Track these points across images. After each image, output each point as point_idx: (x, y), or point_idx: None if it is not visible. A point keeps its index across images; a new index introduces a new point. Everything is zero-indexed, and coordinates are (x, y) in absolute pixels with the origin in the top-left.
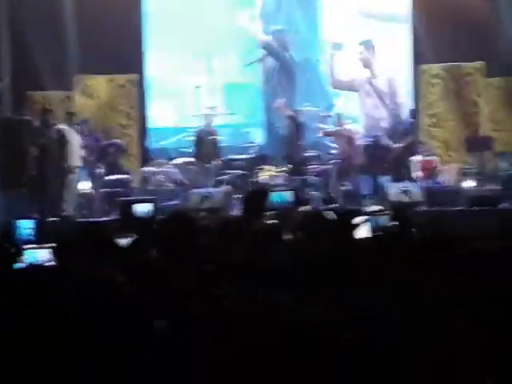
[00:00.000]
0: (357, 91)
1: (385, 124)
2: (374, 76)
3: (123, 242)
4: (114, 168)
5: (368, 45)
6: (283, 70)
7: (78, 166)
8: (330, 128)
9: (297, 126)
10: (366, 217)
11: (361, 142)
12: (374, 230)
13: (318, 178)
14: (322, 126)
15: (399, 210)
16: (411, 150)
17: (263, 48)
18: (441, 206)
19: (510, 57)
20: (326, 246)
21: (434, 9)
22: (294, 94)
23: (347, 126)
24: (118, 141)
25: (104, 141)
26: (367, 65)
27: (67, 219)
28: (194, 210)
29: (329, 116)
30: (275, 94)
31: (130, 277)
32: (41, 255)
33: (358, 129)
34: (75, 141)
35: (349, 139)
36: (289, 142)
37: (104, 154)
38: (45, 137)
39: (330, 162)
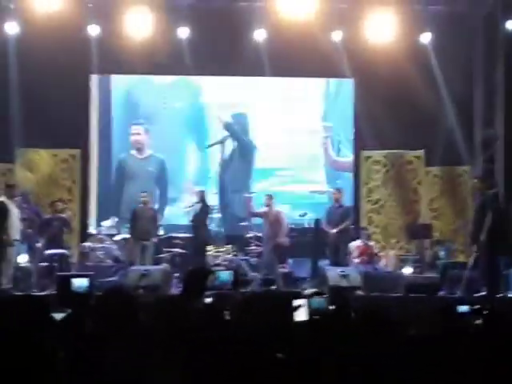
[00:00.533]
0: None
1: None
2: None
3: (59, 316)
4: (54, 242)
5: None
6: (241, 152)
7: (16, 240)
8: (258, 208)
9: (204, 206)
10: (304, 300)
11: (287, 223)
12: (311, 312)
13: (257, 259)
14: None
15: (337, 294)
16: (347, 234)
17: (225, 128)
18: (379, 291)
19: (448, 146)
20: (265, 327)
21: (375, 96)
22: (249, 176)
23: (275, 207)
24: (64, 215)
25: (43, 214)
26: None
27: (3, 292)
28: (132, 287)
29: (250, 195)
30: (232, 175)
31: (64, 350)
32: None
33: (284, 210)
34: (15, 213)
35: (275, 220)
36: (195, 222)
37: (46, 228)
38: None
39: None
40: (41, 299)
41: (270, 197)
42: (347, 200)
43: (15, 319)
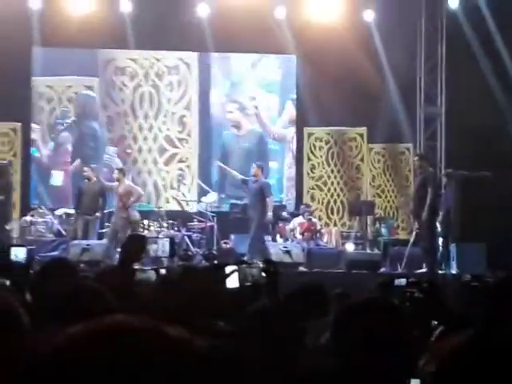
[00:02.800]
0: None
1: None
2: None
3: None
4: None
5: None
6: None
7: None
8: (111, 183)
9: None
10: (235, 267)
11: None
12: (242, 279)
13: (199, 235)
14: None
15: (269, 264)
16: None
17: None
18: (322, 267)
19: (390, 123)
20: (201, 296)
21: (318, 73)
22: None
23: (125, 181)
24: None
25: None
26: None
27: None
28: (74, 261)
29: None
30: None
31: None
32: None
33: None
34: None
35: (125, 193)
36: None
37: None
38: None
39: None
40: None
41: (120, 171)
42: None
43: None
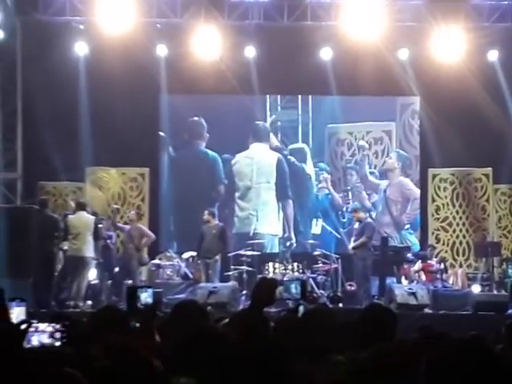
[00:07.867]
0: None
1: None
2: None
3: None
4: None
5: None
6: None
7: (92, 257)
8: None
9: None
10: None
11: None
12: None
13: (324, 277)
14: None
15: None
16: (364, 250)
17: None
18: (448, 309)
19: None
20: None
21: (442, 114)
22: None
23: (137, 223)
24: (112, 233)
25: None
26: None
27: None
28: (201, 304)
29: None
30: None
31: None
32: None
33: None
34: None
35: (138, 235)
36: None
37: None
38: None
39: None
40: (121, 311)
41: (135, 213)
42: None
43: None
